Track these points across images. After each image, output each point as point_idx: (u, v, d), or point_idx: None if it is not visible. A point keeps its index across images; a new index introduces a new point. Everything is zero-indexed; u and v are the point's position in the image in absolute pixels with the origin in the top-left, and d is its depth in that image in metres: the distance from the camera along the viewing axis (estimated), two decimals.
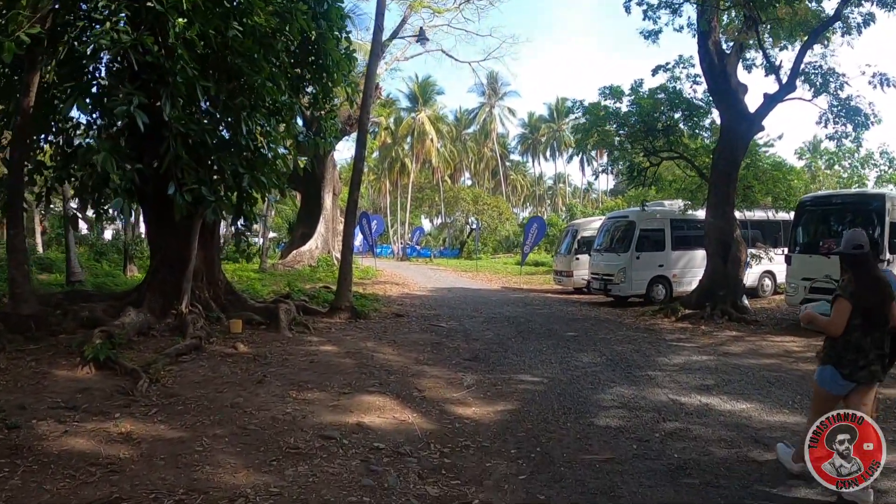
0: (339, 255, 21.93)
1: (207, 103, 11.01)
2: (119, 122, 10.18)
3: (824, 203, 15.90)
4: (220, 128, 11.71)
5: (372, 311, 16.01)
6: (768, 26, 16.46)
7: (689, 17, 17.56)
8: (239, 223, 12.60)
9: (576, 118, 21.04)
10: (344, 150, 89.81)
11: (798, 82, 16.17)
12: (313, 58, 13.72)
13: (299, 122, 20.63)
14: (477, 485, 5.19)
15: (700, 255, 18.88)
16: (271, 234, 62.42)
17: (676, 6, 17.14)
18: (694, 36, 17.02)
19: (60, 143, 11.89)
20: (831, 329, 5.06)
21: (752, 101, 16.77)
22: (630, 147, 19.75)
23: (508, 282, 31.52)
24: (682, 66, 18.80)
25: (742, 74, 17.30)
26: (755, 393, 8.31)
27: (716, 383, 8.92)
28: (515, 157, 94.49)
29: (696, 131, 19.49)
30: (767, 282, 21.55)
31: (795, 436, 6.02)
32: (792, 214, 20.76)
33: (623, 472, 5.44)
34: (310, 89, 14.64)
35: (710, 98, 18.03)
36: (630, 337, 13.17)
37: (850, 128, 16.27)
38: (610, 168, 22.08)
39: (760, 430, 6.62)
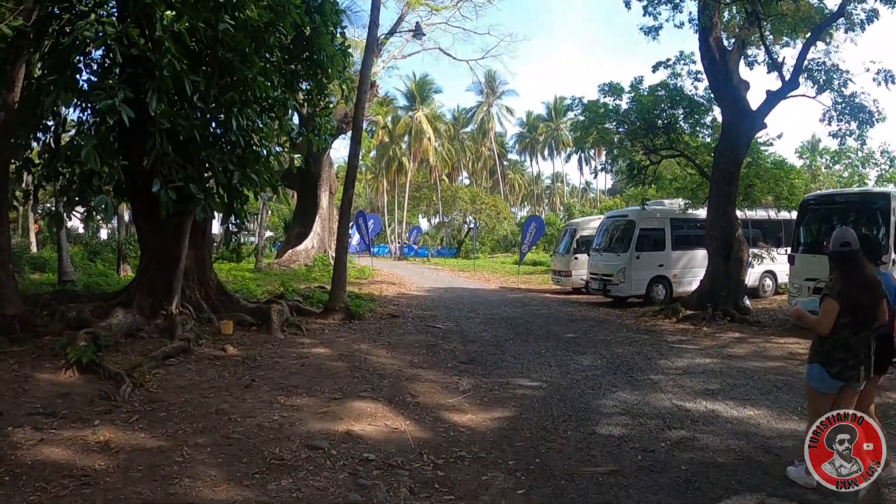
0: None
1: (198, 98, 10.68)
2: (109, 118, 9.91)
3: (828, 202, 15.63)
4: (212, 124, 11.41)
5: (367, 311, 15.68)
6: (769, 24, 16.18)
7: (690, 13, 17.33)
8: (230, 222, 12.24)
9: (575, 115, 20.64)
10: (341, 149, 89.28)
11: (801, 79, 15.89)
12: (307, 53, 13.42)
13: (295, 119, 20.42)
14: (472, 500, 4.88)
15: (700, 254, 18.64)
16: (268, 234, 62.22)
17: (677, 2, 16.90)
18: (695, 32, 16.72)
19: (48, 140, 11.57)
20: (819, 328, 5.07)
21: (754, 99, 16.52)
22: (630, 145, 19.45)
23: (506, 281, 31.22)
24: (683, 62, 18.55)
25: (744, 71, 17.08)
26: (762, 398, 8.01)
27: (721, 388, 8.62)
28: (513, 156, 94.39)
29: (697, 129, 19.21)
30: (768, 282, 21.30)
31: None
32: (793, 214, 20.65)
33: (628, 486, 5.14)
34: (304, 85, 14.34)
35: (712, 95, 17.74)
36: (631, 339, 12.86)
37: (854, 125, 15.99)
38: (609, 167, 21.74)
39: (770, 439, 6.32)
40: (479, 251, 61.14)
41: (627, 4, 17.06)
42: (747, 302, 16.33)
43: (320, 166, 31.22)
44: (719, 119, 18.12)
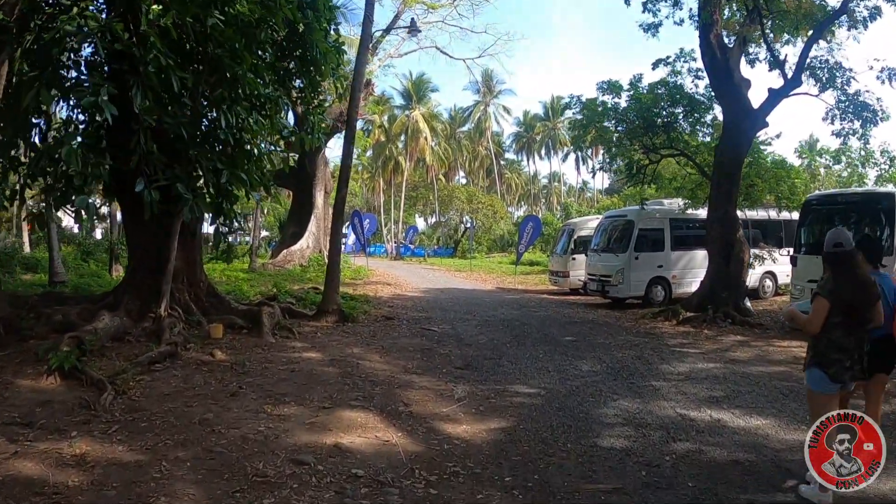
0: None
1: (187, 96, 10.36)
2: (98, 116, 9.62)
3: (831, 202, 15.37)
4: (201, 122, 11.10)
5: (361, 313, 15.37)
6: (769, 22, 15.92)
7: (690, 9, 17.11)
8: (219, 222, 11.92)
9: (574, 114, 20.32)
10: (336, 148, 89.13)
11: (803, 77, 15.62)
12: (300, 51, 13.11)
13: (290, 118, 20.11)
14: None
15: (700, 255, 18.40)
16: (263, 233, 61.89)
17: None
18: (696, 29, 16.42)
19: (32, 138, 11.23)
20: (809, 327, 5.09)
21: (755, 98, 16.22)
22: (629, 143, 19.15)
23: (503, 282, 30.93)
24: (683, 59, 18.25)
25: (745, 69, 16.79)
26: (769, 406, 7.70)
27: (725, 395, 8.32)
28: (510, 155, 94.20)
29: (697, 128, 18.91)
30: (768, 283, 21.05)
31: None
32: (793, 214, 20.40)
33: None
34: (298, 83, 14.03)
35: (712, 93, 17.45)
36: (630, 342, 12.55)
37: (857, 124, 15.72)
38: (608, 166, 21.44)
39: (780, 452, 6.01)
40: (476, 251, 60.91)
41: (627, 1, 16.80)
42: (748, 304, 16.05)
43: (315, 165, 30.96)
44: (720, 118, 17.85)
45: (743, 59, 17.01)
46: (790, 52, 16.91)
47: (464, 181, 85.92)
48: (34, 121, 11.06)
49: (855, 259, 5.11)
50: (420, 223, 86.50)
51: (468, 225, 65.34)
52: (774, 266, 19.92)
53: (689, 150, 18.71)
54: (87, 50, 10.37)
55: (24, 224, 35.60)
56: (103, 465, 5.40)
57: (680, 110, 18.25)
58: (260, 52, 11.66)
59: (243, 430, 6.36)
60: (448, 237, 73.53)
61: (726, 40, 16.72)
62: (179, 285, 12.40)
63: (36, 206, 14.82)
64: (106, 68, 9.99)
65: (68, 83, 9.84)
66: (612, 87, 18.69)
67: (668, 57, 18.30)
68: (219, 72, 10.58)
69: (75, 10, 8.98)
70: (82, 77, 10.18)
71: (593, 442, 6.30)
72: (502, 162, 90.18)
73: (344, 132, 16.08)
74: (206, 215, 11.76)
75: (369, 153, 70.28)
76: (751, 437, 6.49)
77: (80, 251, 29.95)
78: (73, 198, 9.35)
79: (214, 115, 10.94)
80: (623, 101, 18.64)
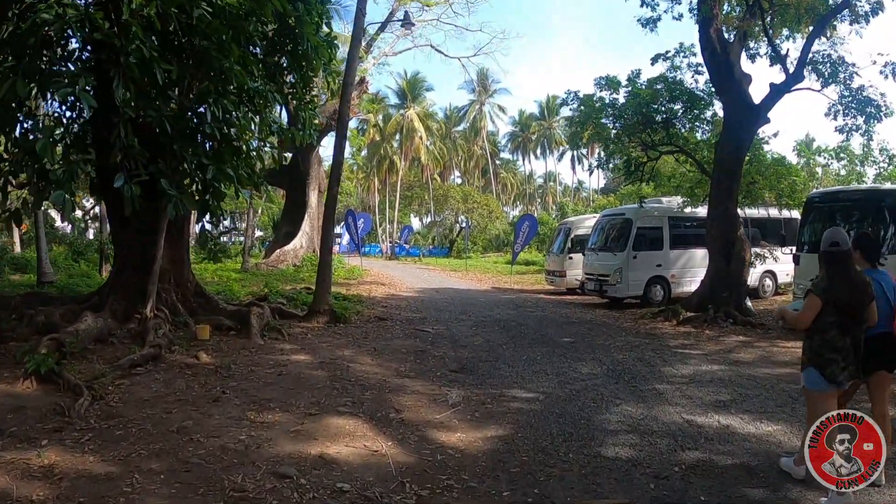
0: None
1: (172, 88, 9.98)
2: (83, 111, 9.26)
3: (834, 200, 15.08)
4: (188, 116, 10.70)
5: (353, 314, 14.95)
6: (769, 17, 15.59)
7: (689, 3, 16.70)
8: (205, 220, 11.53)
9: (571, 110, 19.95)
10: (330, 147, 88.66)
11: (805, 72, 15.30)
12: (291, 45, 12.72)
13: (284, 116, 19.73)
14: None
15: (699, 254, 18.10)
16: (257, 233, 61.47)
17: None
18: (696, 23, 16.06)
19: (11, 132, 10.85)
20: (798, 323, 5.20)
21: (756, 93, 15.89)
22: (627, 140, 18.79)
23: (498, 282, 30.54)
24: (682, 54, 17.87)
25: (745, 64, 16.44)
26: (778, 411, 7.35)
27: (732, 398, 7.96)
28: (505, 155, 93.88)
29: (696, 124, 18.55)
30: (768, 282, 20.74)
31: None
32: (792, 213, 20.11)
33: None
34: (290, 78, 13.64)
35: (713, 89, 17.11)
36: (631, 343, 12.19)
37: (860, 120, 15.42)
38: (605, 163, 21.05)
39: (792, 457, 5.61)
40: (471, 251, 60.56)
41: None
42: (749, 303, 15.72)
43: (309, 164, 30.64)
44: (720, 114, 17.53)
45: (743, 54, 16.67)
46: (791, 47, 16.56)
47: (459, 181, 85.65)
48: (12, 115, 10.71)
49: (851, 259, 5.15)
50: (415, 223, 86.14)
51: (463, 225, 64.98)
52: (774, 265, 19.59)
53: (689, 147, 18.37)
54: (73, 43, 10.10)
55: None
56: (72, 477, 5.04)
57: (679, 106, 17.90)
58: (250, 46, 11.30)
59: (223, 439, 5.97)
60: (443, 237, 73.25)
61: (726, 35, 16.39)
62: (166, 285, 12.06)
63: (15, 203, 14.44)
64: (91, 58, 9.63)
65: (46, 74, 9.45)
66: (609, 83, 18.33)
67: (667, 52, 17.97)
68: (205, 65, 10.18)
69: None
70: (62, 68, 9.79)
71: (596, 451, 5.92)
72: (497, 161, 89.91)
73: (336, 128, 15.67)
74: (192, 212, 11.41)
75: (364, 152, 69.92)
76: (763, 445, 6.14)
77: (71, 251, 29.56)
78: (46, 194, 8.94)
79: (201, 109, 10.55)
80: (621, 98, 18.29)
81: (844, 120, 15.66)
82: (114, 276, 11.95)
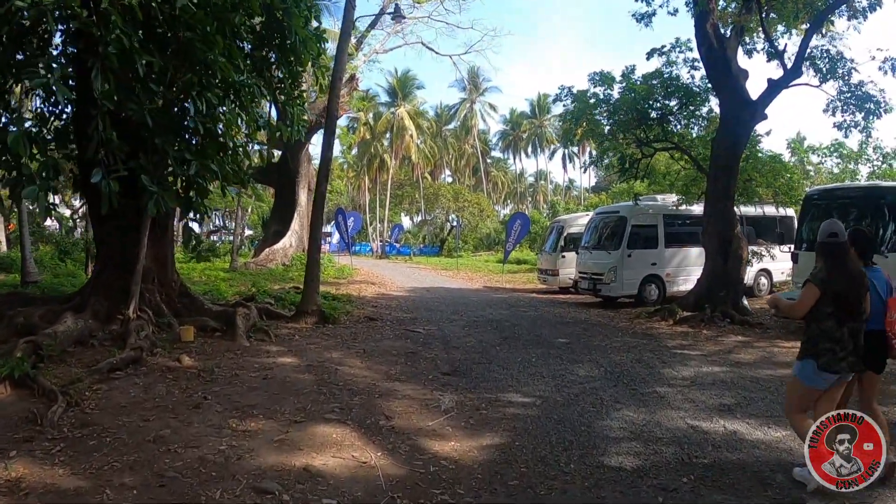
0: None
1: (154, 81, 9.58)
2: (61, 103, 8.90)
3: (833, 197, 14.81)
4: (172, 109, 10.32)
5: (342, 314, 14.58)
6: (766, 12, 15.31)
7: None
8: (189, 218, 11.15)
9: (564, 107, 19.55)
10: (320, 145, 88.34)
11: (803, 67, 15.02)
12: (279, 39, 12.34)
13: (274, 113, 19.33)
14: None
15: (695, 252, 17.87)
16: (248, 232, 60.99)
17: None
18: (692, 17, 15.75)
19: None
20: (794, 311, 5.22)
21: (753, 89, 15.63)
22: (622, 136, 18.47)
23: (490, 281, 30.22)
24: (678, 49, 17.56)
25: (742, 60, 16.19)
26: (784, 415, 7.01)
27: (737, 402, 7.64)
28: (496, 153, 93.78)
29: (692, 121, 18.24)
30: (764, 280, 20.49)
31: None
32: (787, 210, 19.88)
33: None
34: (278, 73, 13.26)
35: (709, 85, 16.82)
36: (628, 344, 11.86)
37: (859, 116, 15.15)
38: (599, 160, 20.71)
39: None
40: (462, 249, 60.28)
41: None
42: (746, 302, 15.44)
43: (298, 162, 30.29)
44: (716, 110, 17.26)
45: (740, 50, 16.40)
46: (789, 43, 16.32)
47: (450, 179, 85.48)
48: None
49: (848, 251, 5.17)
50: (406, 222, 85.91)
51: (454, 223, 64.74)
52: (770, 263, 19.36)
53: (685, 144, 18.08)
54: (56, 34, 9.73)
55: (0, 223, 34.59)
56: (39, 492, 4.69)
57: (675, 102, 17.59)
58: (237, 39, 10.93)
59: (202, 449, 5.59)
60: (434, 236, 73.01)
61: (723, 30, 16.10)
62: (150, 285, 11.65)
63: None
64: (71, 50, 9.26)
65: (21, 64, 9.06)
66: (603, 79, 17.99)
67: (662, 47, 17.65)
68: (189, 57, 9.80)
69: None
70: (40, 59, 9.40)
71: (599, 461, 5.57)
72: (488, 160, 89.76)
73: (325, 123, 15.28)
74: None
75: (355, 151, 69.58)
76: (773, 452, 5.81)
77: (58, 250, 29.12)
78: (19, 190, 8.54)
79: (185, 103, 10.17)
80: (616, 93, 17.96)
81: (843, 116, 15.42)
82: (95, 275, 11.58)
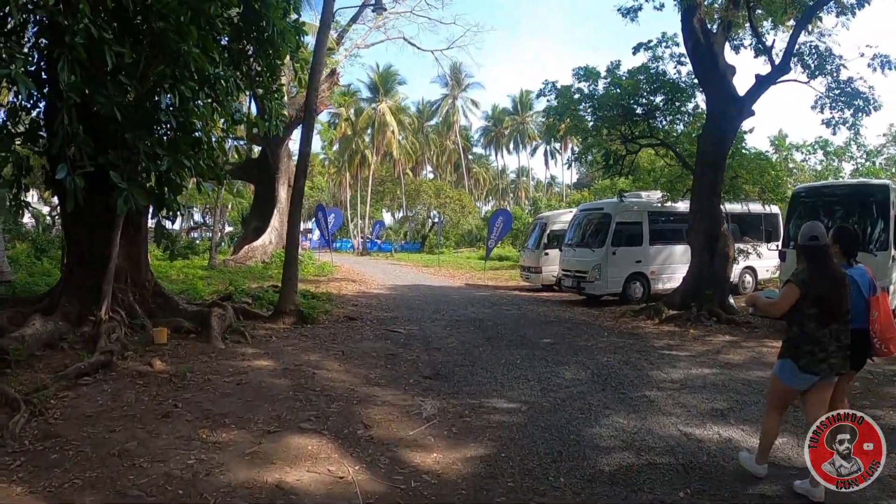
0: None
1: (125, 73, 9.17)
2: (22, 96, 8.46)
3: (820, 194, 14.63)
4: (144, 103, 9.90)
5: (322, 313, 14.22)
6: (754, 7, 15.12)
7: None
8: (161, 215, 10.72)
9: (548, 102, 19.23)
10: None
11: (791, 63, 14.83)
12: (256, 32, 11.95)
13: (254, 109, 18.89)
14: None
15: (679, 250, 17.70)
16: (227, 228, 60.31)
17: None
18: (679, 12, 15.51)
19: None
20: (772, 309, 5.17)
21: (740, 85, 15.43)
22: (607, 132, 18.21)
23: (472, 278, 29.93)
24: (665, 44, 17.34)
25: (729, 56, 15.98)
26: None
27: (729, 406, 7.40)
28: (478, 149, 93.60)
29: (677, 117, 18.01)
30: (748, 278, 20.38)
31: None
32: (772, 208, 19.75)
33: None
34: (256, 66, 12.86)
35: (695, 80, 16.59)
36: (614, 344, 11.60)
37: (848, 113, 14.98)
38: (584, 156, 20.41)
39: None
40: (444, 246, 60.00)
41: None
42: (732, 300, 15.23)
43: (278, 158, 29.78)
44: (702, 106, 17.05)
45: (727, 45, 16.19)
46: (777, 39, 16.10)
47: (431, 175, 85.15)
48: None
49: (829, 254, 5.13)
50: (387, 218, 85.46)
51: (436, 220, 64.43)
52: (755, 261, 19.25)
53: (670, 140, 17.85)
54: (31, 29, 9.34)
55: None
56: None
57: (661, 98, 17.36)
58: (213, 30, 10.53)
59: (170, 464, 5.23)
60: (415, 232, 72.70)
61: (710, 25, 15.89)
62: (122, 285, 11.23)
63: None
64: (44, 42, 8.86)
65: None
66: (588, 74, 17.74)
67: (649, 41, 17.42)
68: (162, 48, 9.39)
69: None
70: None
71: (590, 473, 5.27)
72: (470, 156, 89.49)
73: (303, 116, 14.89)
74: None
75: (336, 147, 68.98)
76: (771, 461, 5.51)
77: (35, 248, 28.49)
78: None
79: (153, 94, 9.76)
80: (601, 89, 17.69)
81: (832, 113, 15.27)
82: (66, 275, 11.10)
